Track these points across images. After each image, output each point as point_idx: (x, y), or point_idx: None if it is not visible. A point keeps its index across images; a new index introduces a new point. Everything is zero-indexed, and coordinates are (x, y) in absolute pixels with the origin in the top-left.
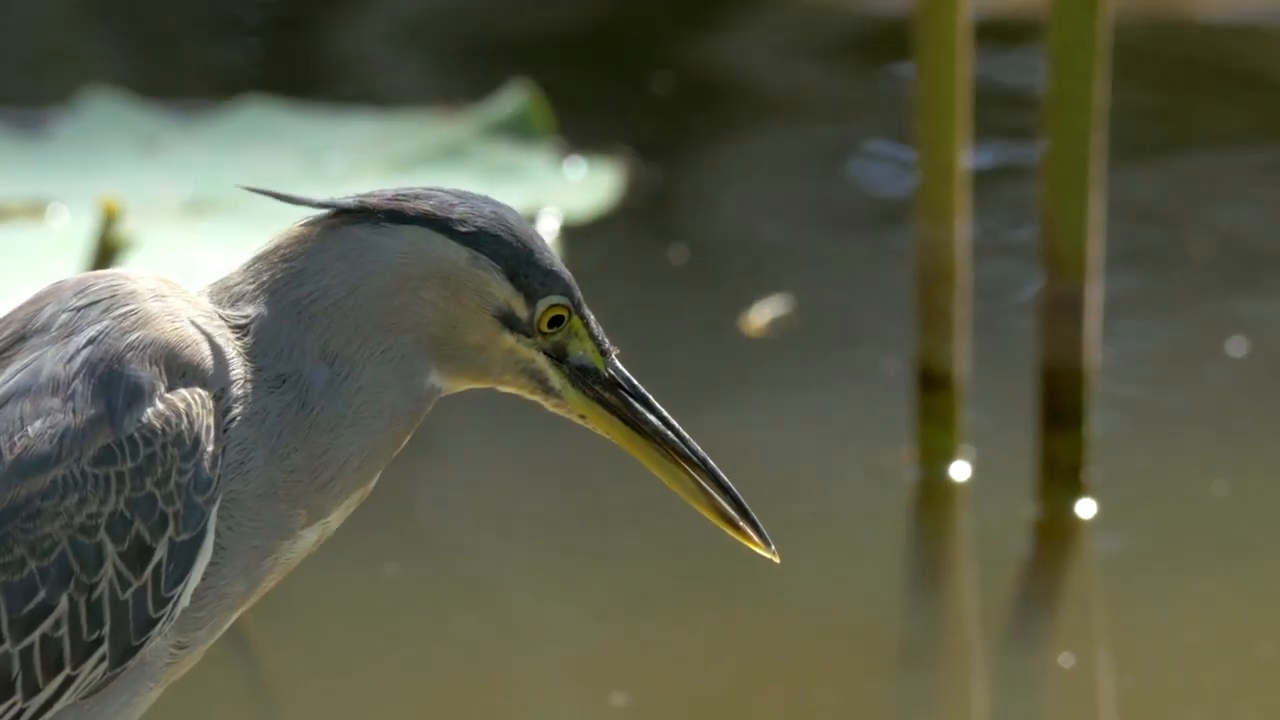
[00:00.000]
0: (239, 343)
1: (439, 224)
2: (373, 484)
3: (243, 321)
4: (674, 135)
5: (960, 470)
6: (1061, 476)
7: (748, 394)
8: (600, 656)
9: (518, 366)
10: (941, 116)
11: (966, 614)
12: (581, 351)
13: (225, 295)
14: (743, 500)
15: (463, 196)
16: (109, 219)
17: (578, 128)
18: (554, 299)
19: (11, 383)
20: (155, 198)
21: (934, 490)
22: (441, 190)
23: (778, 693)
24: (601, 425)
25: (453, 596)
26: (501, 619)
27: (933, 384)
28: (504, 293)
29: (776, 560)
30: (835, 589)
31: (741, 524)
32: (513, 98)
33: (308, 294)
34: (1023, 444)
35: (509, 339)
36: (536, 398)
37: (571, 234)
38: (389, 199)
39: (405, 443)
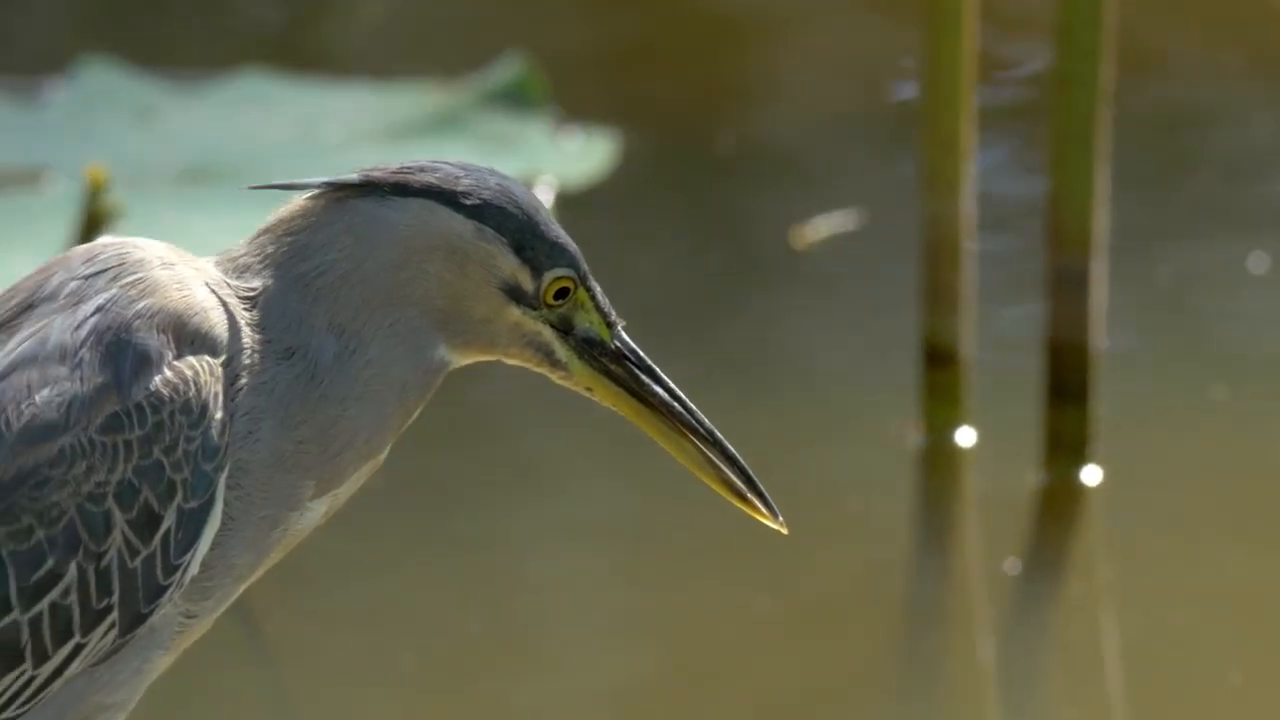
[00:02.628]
0: (247, 314)
1: (444, 196)
2: (383, 456)
3: (250, 294)
4: (674, 102)
5: (966, 438)
6: (1067, 451)
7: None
8: (607, 626)
9: (524, 339)
10: (946, 92)
11: (972, 579)
12: (588, 324)
13: (231, 267)
14: (750, 472)
15: (468, 169)
16: (95, 188)
17: (574, 96)
18: (560, 271)
19: (19, 351)
20: (151, 166)
21: (940, 460)
22: (446, 163)
23: (784, 659)
24: (608, 398)
25: (464, 561)
26: (513, 581)
27: (939, 360)
28: (510, 265)
29: (784, 532)
30: (843, 551)
31: (749, 496)
32: (509, 67)
33: (314, 268)
34: (1028, 418)
35: (515, 312)
36: (543, 370)
37: (568, 202)
38: (393, 172)
39: (417, 414)
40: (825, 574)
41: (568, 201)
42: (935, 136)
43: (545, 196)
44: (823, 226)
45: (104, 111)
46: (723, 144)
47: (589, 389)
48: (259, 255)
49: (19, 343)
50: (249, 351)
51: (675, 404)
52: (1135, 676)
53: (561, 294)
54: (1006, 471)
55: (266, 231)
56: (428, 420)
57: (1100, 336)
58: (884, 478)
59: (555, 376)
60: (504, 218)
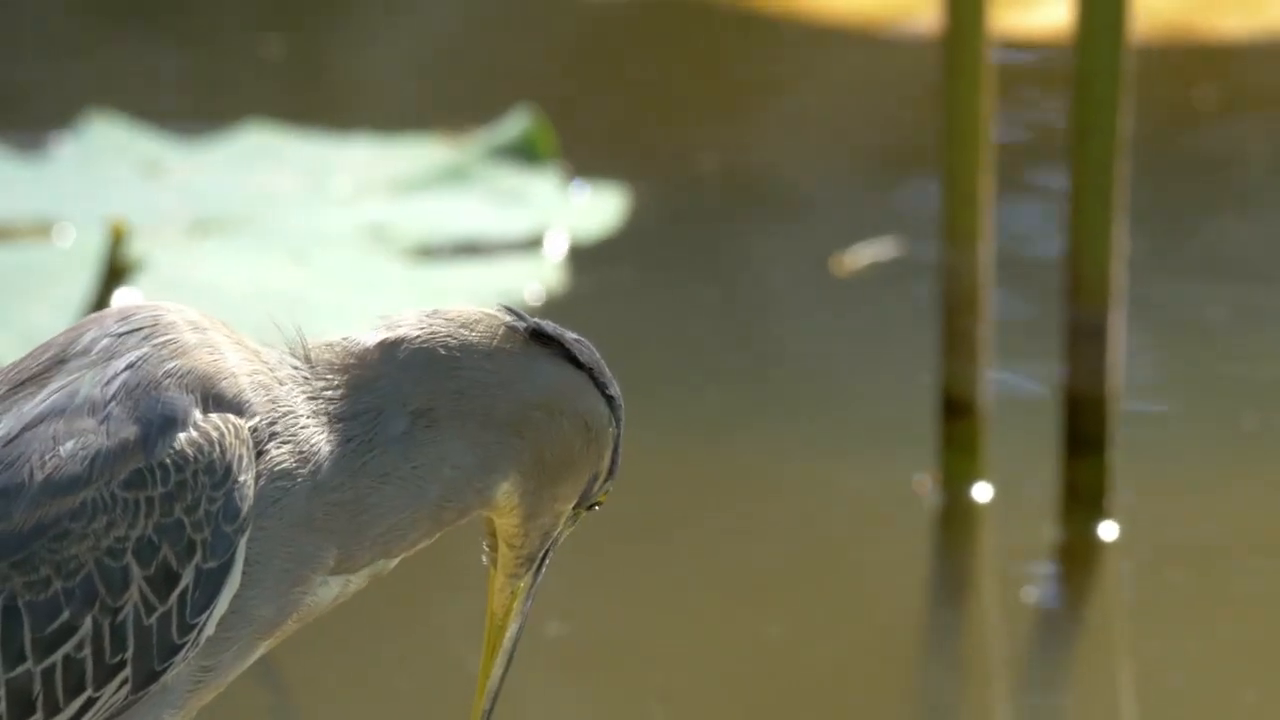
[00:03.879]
0: (299, 374)
1: (597, 383)
2: (393, 564)
3: (349, 348)
4: (681, 156)
5: (983, 494)
6: (1084, 503)
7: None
8: (614, 657)
9: (553, 529)
10: (965, 142)
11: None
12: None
13: (383, 323)
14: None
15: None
16: (117, 239)
17: (583, 151)
18: (610, 486)
19: (48, 403)
20: (159, 218)
21: (956, 513)
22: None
23: (794, 713)
24: (504, 594)
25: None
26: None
27: (956, 410)
28: (605, 464)
29: None
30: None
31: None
32: (517, 121)
33: (457, 360)
34: (1046, 469)
35: (572, 504)
36: (503, 551)
37: (579, 256)
38: (572, 339)
39: (432, 539)
40: (837, 627)
41: (579, 255)
42: (954, 188)
43: (557, 250)
44: (864, 254)
45: (111, 165)
46: (732, 193)
47: (512, 577)
48: (421, 328)
49: (49, 394)
50: (286, 416)
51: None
52: None
53: (591, 507)
54: (1023, 525)
55: (442, 314)
56: None
57: (1118, 388)
58: (900, 528)
59: (502, 562)
60: (621, 424)
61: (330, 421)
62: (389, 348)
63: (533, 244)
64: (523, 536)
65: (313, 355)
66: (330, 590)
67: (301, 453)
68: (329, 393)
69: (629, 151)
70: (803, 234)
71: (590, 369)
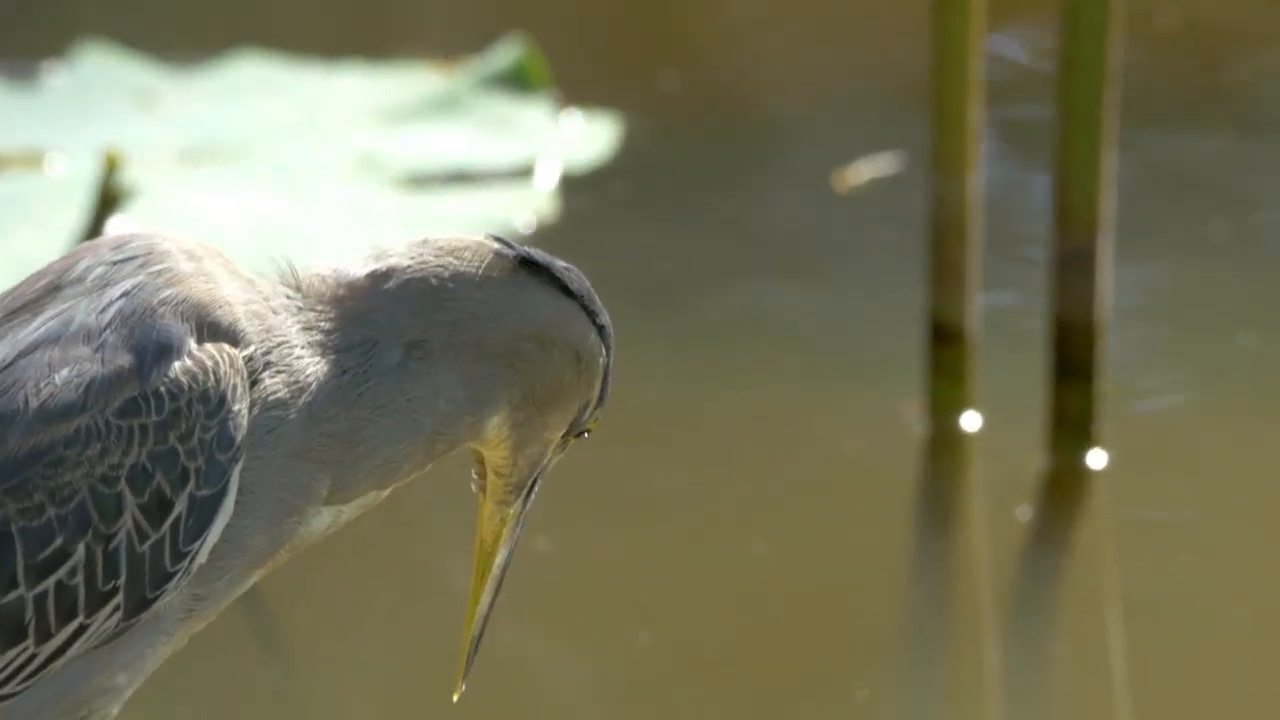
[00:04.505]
0: (293, 304)
1: (587, 311)
2: (386, 493)
3: (339, 278)
4: (675, 84)
5: (971, 422)
6: (1073, 430)
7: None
8: (609, 602)
9: (542, 458)
10: (954, 71)
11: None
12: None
13: (372, 253)
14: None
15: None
16: (111, 168)
17: (575, 80)
18: (599, 414)
19: (42, 330)
20: (151, 147)
21: (944, 440)
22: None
23: (783, 643)
24: (496, 522)
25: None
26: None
27: (945, 338)
28: (595, 393)
29: (454, 698)
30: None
31: (473, 651)
32: (509, 50)
33: (449, 290)
34: (1034, 397)
35: (561, 432)
36: (491, 479)
37: (570, 184)
38: (561, 268)
39: (423, 470)
40: (824, 552)
41: (570, 184)
42: (942, 117)
43: (548, 179)
44: (864, 170)
45: (103, 94)
46: (728, 120)
47: (501, 504)
48: (411, 257)
49: (43, 321)
50: (282, 346)
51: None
52: (1140, 659)
53: (580, 434)
54: (1011, 452)
55: (431, 243)
56: None
57: (1106, 315)
58: (889, 457)
59: (490, 490)
60: (610, 349)
61: (324, 352)
62: (380, 278)
63: (524, 173)
64: (512, 465)
65: (304, 285)
66: (322, 520)
67: (296, 383)
68: (322, 323)
69: (622, 80)
70: (800, 156)
71: (580, 297)
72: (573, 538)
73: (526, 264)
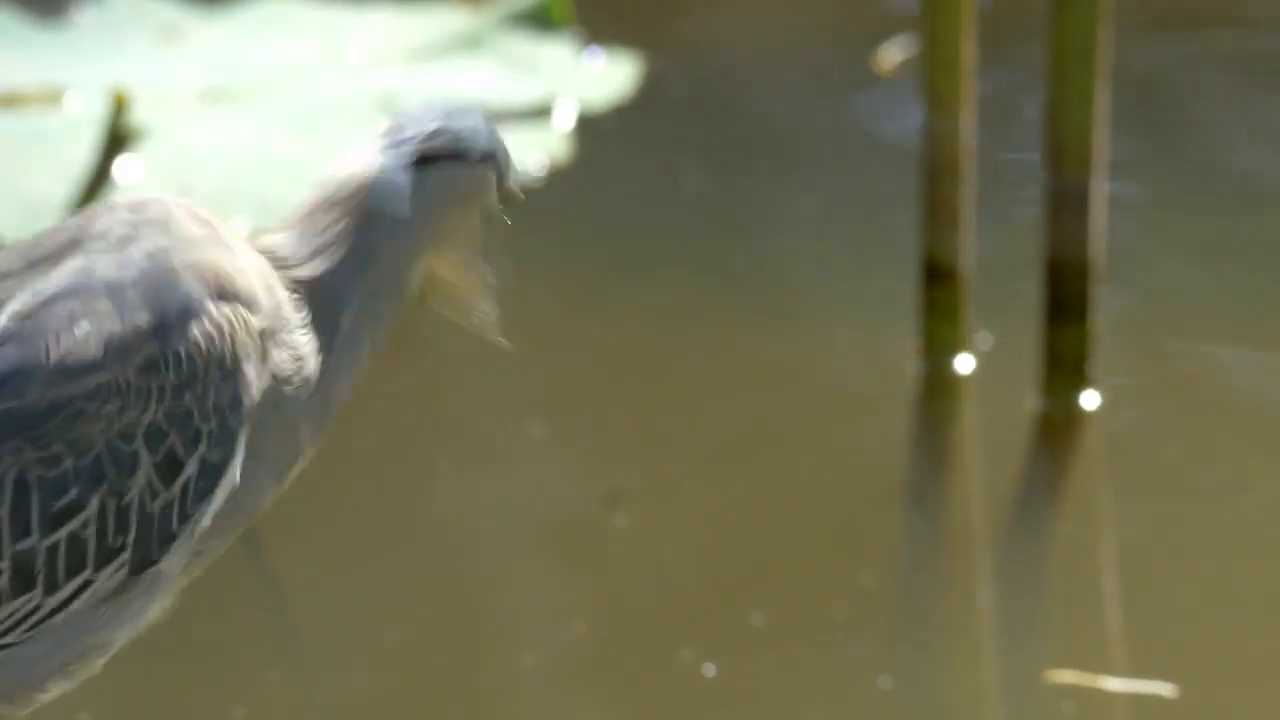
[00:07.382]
0: (291, 281)
1: (460, 155)
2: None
3: (292, 255)
4: (700, 24)
5: (964, 362)
6: (1067, 370)
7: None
8: (595, 548)
9: (470, 234)
10: (947, 8)
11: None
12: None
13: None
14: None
15: (453, 114)
16: (118, 107)
17: (599, 19)
18: (512, 179)
19: (66, 283)
20: (173, 85)
21: (938, 380)
22: (437, 116)
23: (777, 588)
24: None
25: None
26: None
27: (938, 277)
28: (493, 194)
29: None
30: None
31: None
32: None
33: (373, 246)
34: (1030, 337)
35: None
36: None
37: (589, 124)
38: (418, 145)
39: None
40: (818, 492)
41: (587, 123)
42: (936, 54)
43: (567, 118)
44: (897, 52)
45: (128, 31)
46: (750, 61)
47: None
48: (326, 226)
49: (66, 274)
50: (285, 318)
51: None
52: (1133, 598)
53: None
54: (1005, 392)
55: (315, 211)
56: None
57: (1100, 254)
58: (883, 394)
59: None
60: (497, 155)
61: (307, 327)
62: (318, 260)
63: (541, 112)
64: (448, 265)
65: (281, 255)
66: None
67: (296, 355)
68: (297, 298)
69: (647, 19)
70: (819, 93)
71: (446, 155)
72: (568, 479)
73: (387, 173)
